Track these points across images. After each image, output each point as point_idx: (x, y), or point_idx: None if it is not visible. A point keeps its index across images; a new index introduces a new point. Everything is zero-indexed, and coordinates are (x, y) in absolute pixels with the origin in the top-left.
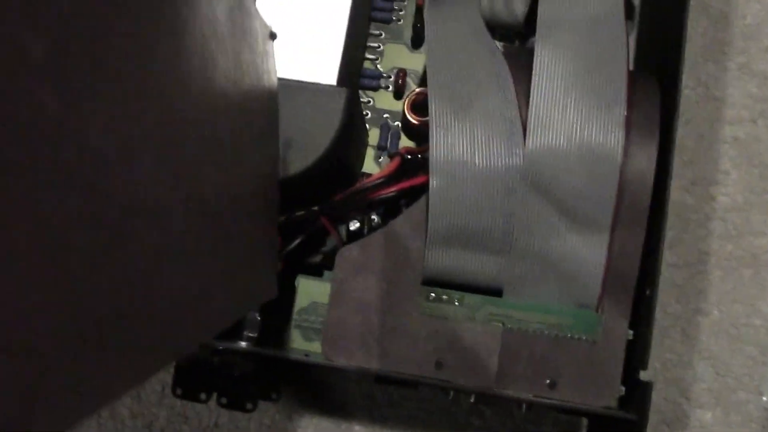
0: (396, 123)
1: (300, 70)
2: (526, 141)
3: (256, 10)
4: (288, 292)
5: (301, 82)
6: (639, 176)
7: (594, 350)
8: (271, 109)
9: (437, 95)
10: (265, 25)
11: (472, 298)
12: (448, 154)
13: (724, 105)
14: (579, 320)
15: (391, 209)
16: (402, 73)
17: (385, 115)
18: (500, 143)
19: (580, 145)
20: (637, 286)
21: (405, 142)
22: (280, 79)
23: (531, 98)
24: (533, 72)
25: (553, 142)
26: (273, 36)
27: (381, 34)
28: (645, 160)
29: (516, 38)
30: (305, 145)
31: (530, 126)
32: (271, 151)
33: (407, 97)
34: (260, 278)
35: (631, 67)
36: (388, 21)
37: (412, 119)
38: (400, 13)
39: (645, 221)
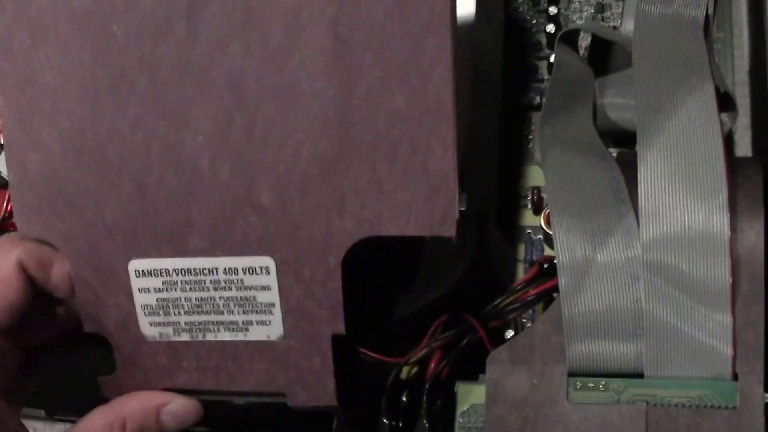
0: (538, 237)
1: None
2: (641, 232)
3: None
4: (451, 398)
5: None
6: (750, 252)
7: (734, 416)
8: None
9: (556, 204)
10: None
11: (615, 383)
12: (572, 254)
13: None
14: (717, 390)
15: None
16: (537, 191)
17: (528, 231)
18: (618, 239)
19: (690, 230)
20: (766, 352)
21: (548, 252)
22: None
23: (639, 194)
24: (638, 170)
25: (665, 230)
26: None
27: (516, 159)
28: (753, 236)
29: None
30: (447, 268)
31: (642, 218)
32: None
33: (544, 211)
34: None
35: (749, 153)
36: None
37: (549, 230)
38: (529, 137)
39: (762, 291)
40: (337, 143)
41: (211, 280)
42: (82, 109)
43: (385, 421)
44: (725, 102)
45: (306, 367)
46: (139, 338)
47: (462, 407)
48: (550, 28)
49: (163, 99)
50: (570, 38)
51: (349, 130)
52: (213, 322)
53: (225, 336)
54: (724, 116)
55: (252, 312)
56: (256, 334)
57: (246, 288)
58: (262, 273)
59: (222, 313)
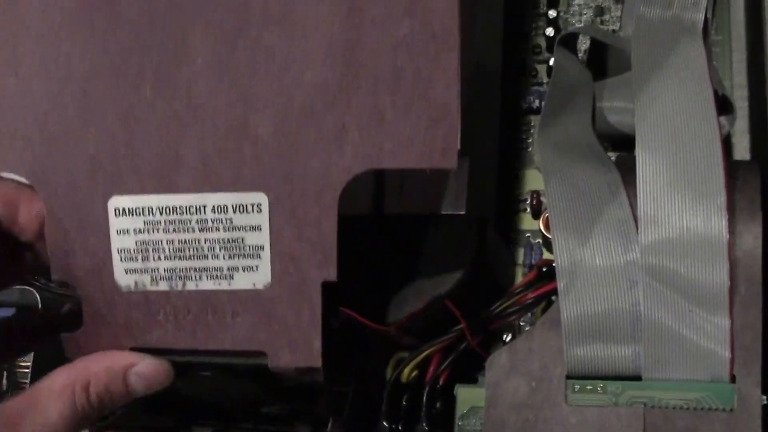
0: (537, 240)
1: (432, 204)
2: (639, 236)
3: None
4: (450, 401)
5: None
6: (748, 255)
7: (732, 418)
8: None
9: (555, 208)
10: None
11: (613, 385)
12: (571, 258)
13: None
14: (714, 392)
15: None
16: (536, 194)
17: (527, 235)
18: (617, 242)
19: (688, 233)
20: (764, 354)
21: (547, 256)
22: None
23: (638, 197)
24: (637, 174)
25: (664, 234)
26: None
27: (515, 163)
28: (752, 240)
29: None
30: (446, 271)
31: (640, 222)
32: None
33: (543, 215)
34: None
35: (747, 156)
36: (519, 151)
37: (548, 234)
38: (528, 141)
39: (760, 294)
40: (341, 72)
41: (197, 220)
42: (70, 33)
43: (385, 424)
44: (723, 105)
45: (292, 320)
46: (111, 288)
47: (461, 410)
48: (550, 31)
49: (161, 23)
50: (569, 41)
51: (353, 58)
52: (195, 269)
53: (207, 285)
54: (723, 119)
55: (239, 256)
56: (242, 282)
57: (235, 228)
58: (253, 211)
59: (206, 257)
